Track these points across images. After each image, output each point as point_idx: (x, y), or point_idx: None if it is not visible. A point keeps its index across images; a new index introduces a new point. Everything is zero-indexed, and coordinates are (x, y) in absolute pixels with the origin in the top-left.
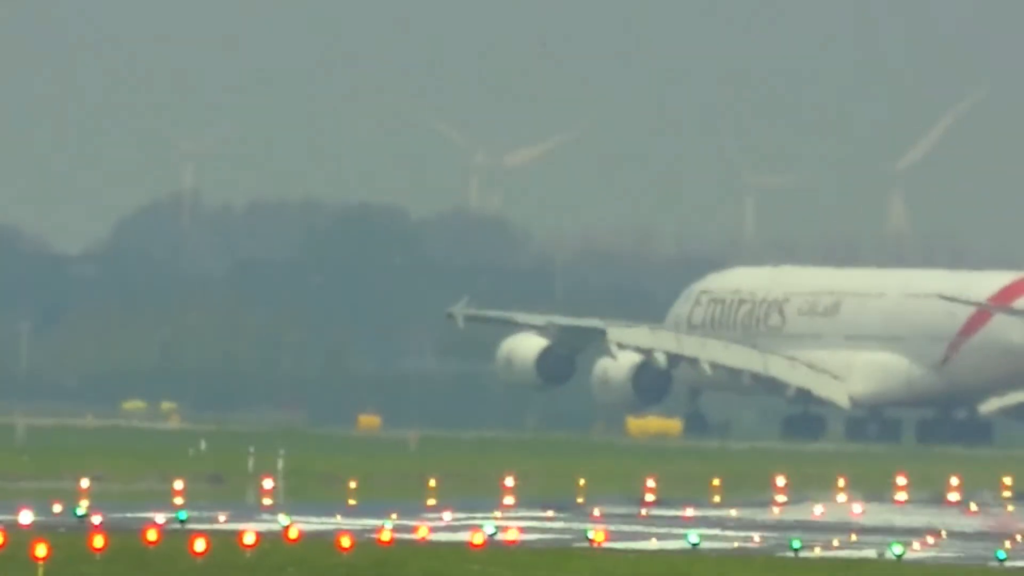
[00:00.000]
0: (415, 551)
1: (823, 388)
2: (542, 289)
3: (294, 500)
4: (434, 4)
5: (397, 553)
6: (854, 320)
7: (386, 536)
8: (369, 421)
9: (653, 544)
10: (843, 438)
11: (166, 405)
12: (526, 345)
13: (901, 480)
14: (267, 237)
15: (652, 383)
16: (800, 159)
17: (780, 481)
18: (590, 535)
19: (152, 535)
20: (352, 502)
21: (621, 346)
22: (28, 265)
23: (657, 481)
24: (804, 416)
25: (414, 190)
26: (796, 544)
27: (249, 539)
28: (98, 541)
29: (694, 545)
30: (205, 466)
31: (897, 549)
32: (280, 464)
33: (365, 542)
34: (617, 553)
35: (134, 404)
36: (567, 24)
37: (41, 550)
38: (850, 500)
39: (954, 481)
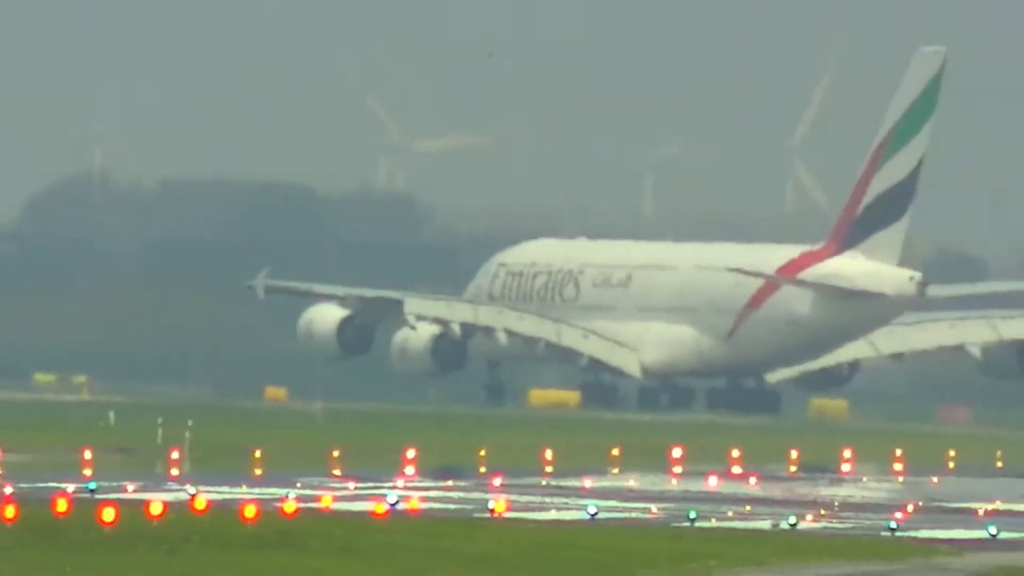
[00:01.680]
0: (319, 520)
1: (615, 358)
2: (446, 266)
3: (201, 471)
4: None
5: (302, 523)
6: (646, 292)
7: (291, 506)
8: (275, 393)
9: (552, 514)
10: (636, 407)
11: (77, 378)
12: (327, 316)
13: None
14: (178, 215)
15: (450, 353)
16: (700, 135)
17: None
18: (491, 505)
19: (62, 505)
20: (258, 472)
21: (419, 317)
22: None
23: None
24: (596, 384)
25: (324, 170)
26: (692, 514)
27: (156, 509)
28: (9, 511)
29: (593, 516)
30: (115, 438)
31: (791, 519)
32: (187, 436)
33: (270, 512)
34: (518, 523)
35: (45, 377)
36: (481, 19)
37: None
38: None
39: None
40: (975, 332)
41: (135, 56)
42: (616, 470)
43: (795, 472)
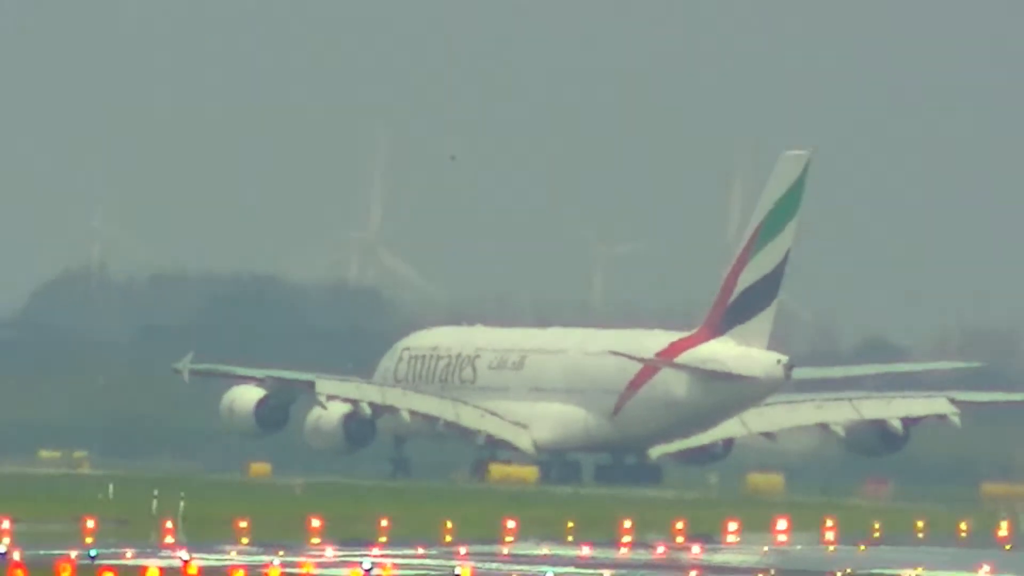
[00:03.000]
0: None
1: (510, 435)
2: None
3: (193, 539)
4: (322, 85)
5: None
6: (538, 374)
7: (275, 572)
8: (260, 468)
9: None
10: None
11: (78, 454)
12: (245, 396)
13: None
14: (167, 305)
15: (359, 430)
16: (646, 229)
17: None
18: (457, 571)
19: (66, 571)
20: (245, 541)
21: (330, 397)
22: None
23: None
24: (493, 460)
25: (298, 262)
26: None
27: (153, 574)
28: (18, 575)
29: None
30: (113, 509)
31: None
32: (181, 507)
33: None
34: None
35: (49, 453)
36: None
37: None
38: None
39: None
40: (838, 412)
41: (129, 159)
42: (571, 538)
43: (733, 541)
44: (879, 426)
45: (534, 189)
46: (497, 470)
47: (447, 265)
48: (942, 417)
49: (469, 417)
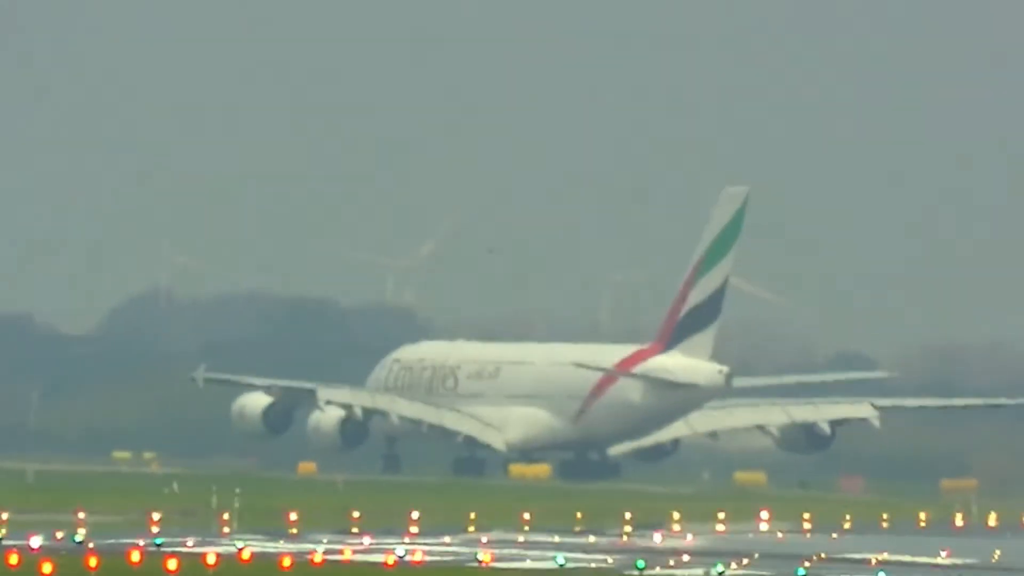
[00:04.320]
0: (342, 569)
1: (485, 436)
2: None
3: (247, 529)
4: (363, 126)
5: (328, 571)
6: (510, 382)
7: (319, 558)
8: (307, 467)
9: (528, 564)
10: (502, 475)
11: (147, 455)
12: (254, 402)
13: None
14: (228, 323)
15: (353, 432)
16: (650, 255)
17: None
18: (479, 556)
19: (135, 557)
20: (293, 531)
21: (329, 403)
22: (39, 344)
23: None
24: (471, 458)
25: (344, 284)
26: (640, 564)
27: (211, 559)
28: (92, 561)
29: (561, 565)
30: (177, 502)
31: (720, 568)
32: (236, 501)
33: (302, 562)
34: (501, 571)
35: (122, 454)
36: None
37: (47, 568)
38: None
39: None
40: (772, 415)
41: (196, 193)
42: (578, 528)
43: (722, 530)
44: (808, 428)
45: (546, 225)
46: (515, 469)
47: (472, 289)
48: (863, 420)
49: (450, 420)
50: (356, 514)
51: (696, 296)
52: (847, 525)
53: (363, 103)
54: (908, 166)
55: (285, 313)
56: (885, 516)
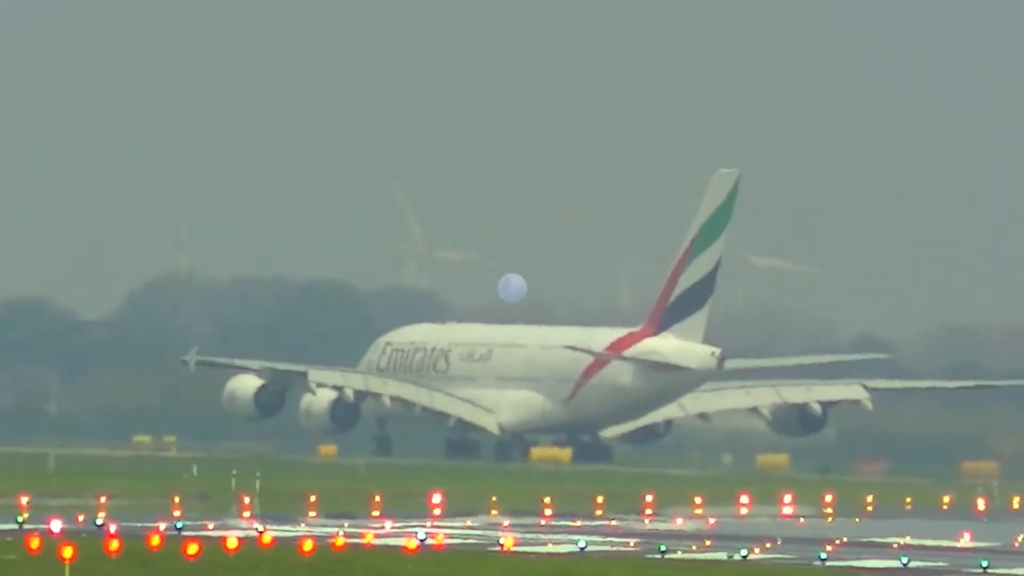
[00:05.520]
0: (363, 553)
1: (477, 418)
2: None
3: (267, 513)
4: (400, 107)
5: (349, 555)
6: (502, 365)
7: (340, 541)
8: (327, 450)
9: (549, 547)
10: (493, 458)
11: (167, 438)
12: (246, 384)
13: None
14: (245, 307)
15: (345, 414)
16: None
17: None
18: (501, 541)
19: (155, 540)
20: (313, 514)
21: (320, 385)
22: (58, 329)
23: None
24: (462, 440)
25: (363, 268)
26: (663, 547)
27: (231, 543)
28: (113, 545)
29: (582, 549)
30: (197, 486)
31: (743, 552)
32: (256, 484)
33: (323, 546)
34: (522, 555)
35: (141, 438)
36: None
37: (68, 552)
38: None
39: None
40: (764, 397)
41: (214, 178)
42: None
43: (745, 514)
44: (800, 409)
45: (566, 211)
46: (537, 452)
47: (488, 272)
48: (855, 402)
49: (442, 402)
50: (377, 498)
51: (687, 279)
52: (869, 508)
53: (385, 90)
54: (934, 149)
55: (303, 297)
56: (908, 500)
